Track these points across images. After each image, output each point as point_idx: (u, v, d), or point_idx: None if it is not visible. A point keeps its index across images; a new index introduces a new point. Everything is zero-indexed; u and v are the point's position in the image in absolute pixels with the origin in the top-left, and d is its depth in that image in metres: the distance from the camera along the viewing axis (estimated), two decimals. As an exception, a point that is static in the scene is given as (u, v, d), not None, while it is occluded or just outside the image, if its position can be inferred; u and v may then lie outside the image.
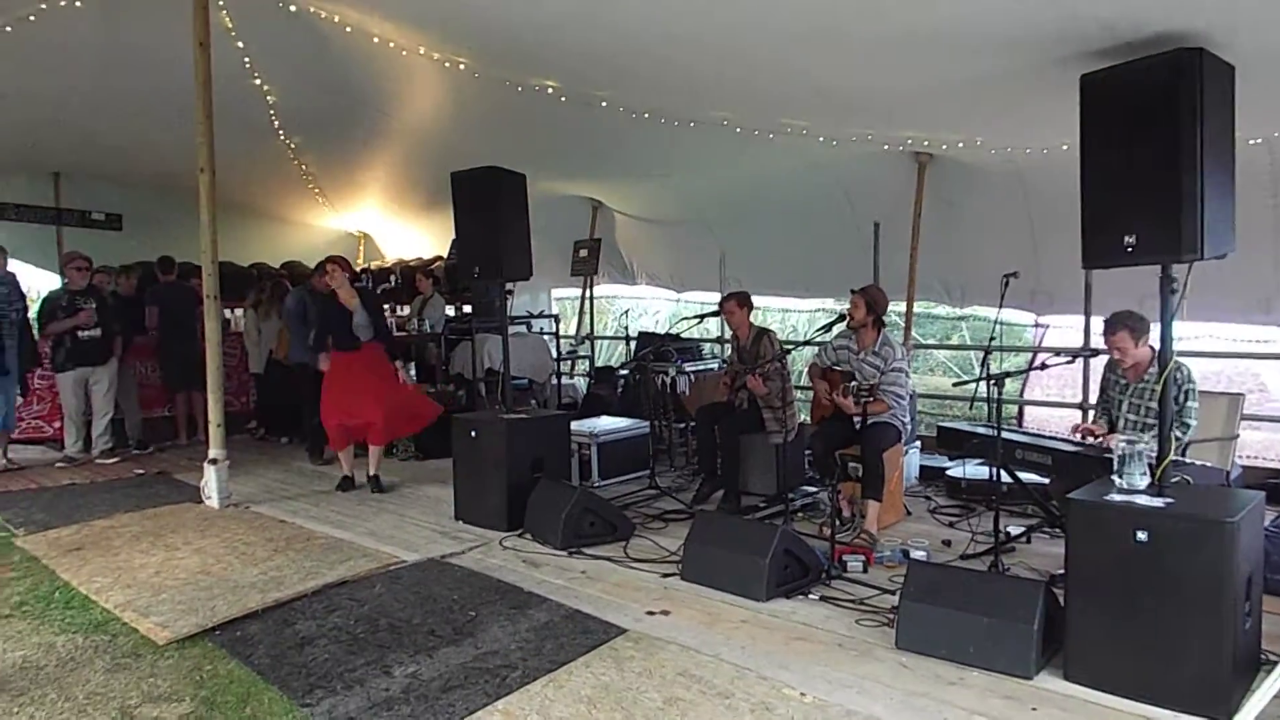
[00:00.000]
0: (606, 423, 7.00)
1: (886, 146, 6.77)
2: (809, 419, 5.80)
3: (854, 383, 5.03)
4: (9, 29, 6.17)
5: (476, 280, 5.94)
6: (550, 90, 6.27)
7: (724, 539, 4.31)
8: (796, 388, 6.30)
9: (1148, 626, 2.93)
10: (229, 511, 5.89)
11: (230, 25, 6.77)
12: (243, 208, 11.11)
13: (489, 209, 5.61)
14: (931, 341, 13.25)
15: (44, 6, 6.00)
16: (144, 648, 3.67)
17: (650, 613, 4.00)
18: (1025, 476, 4.87)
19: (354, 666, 3.48)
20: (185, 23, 5.86)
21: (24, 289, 7.49)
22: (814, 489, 5.88)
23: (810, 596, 4.11)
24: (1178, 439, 4.21)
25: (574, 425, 6.86)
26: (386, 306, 9.92)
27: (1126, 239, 3.09)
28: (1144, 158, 3.05)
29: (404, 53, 6.34)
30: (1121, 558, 2.97)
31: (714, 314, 6.10)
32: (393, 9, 5.77)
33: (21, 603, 4.19)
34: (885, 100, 5.55)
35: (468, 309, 9.64)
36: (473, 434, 5.55)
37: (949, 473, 6.00)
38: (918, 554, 4.49)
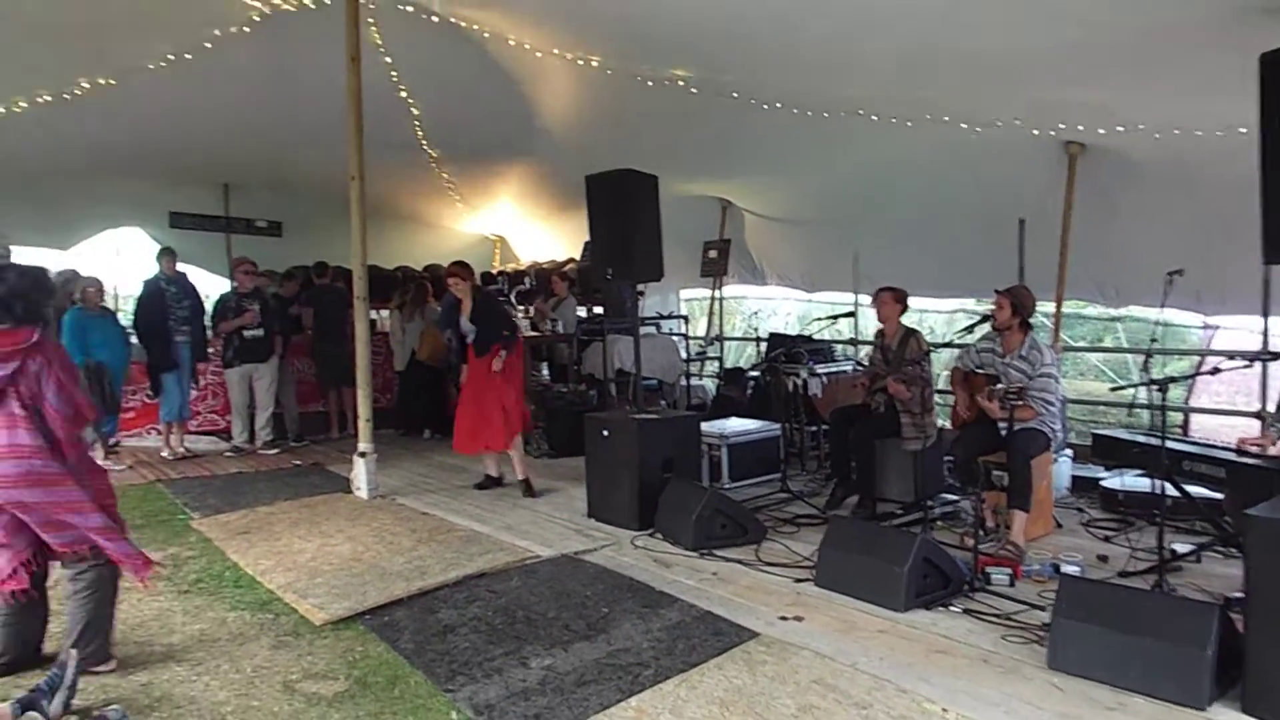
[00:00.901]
0: (736, 424, 6.96)
1: (1036, 132, 6.39)
2: (949, 424, 5.57)
3: (1000, 385, 4.80)
4: (188, 56, 6.73)
5: (609, 281, 6.02)
6: (680, 82, 6.28)
7: (860, 545, 4.21)
8: (936, 392, 6.07)
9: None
10: (376, 502, 6.21)
11: (379, 41, 7.14)
12: (388, 213, 11.69)
13: (622, 211, 5.68)
14: (1082, 344, 12.50)
15: (217, 33, 6.51)
16: (303, 627, 3.91)
17: (783, 618, 3.95)
18: (1193, 490, 4.53)
19: (492, 656, 3.60)
20: (338, 42, 6.23)
21: (195, 289, 8.10)
22: (954, 497, 5.65)
23: (951, 609, 3.96)
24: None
25: (704, 426, 6.88)
26: (522, 307, 10.22)
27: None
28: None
29: (538, 54, 6.51)
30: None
31: (848, 314, 5.99)
32: (527, 9, 5.91)
33: (198, 579, 4.56)
34: (1034, 66, 5.19)
35: (599, 310, 9.80)
36: (604, 434, 5.64)
37: (1104, 484, 5.64)
38: (1070, 569, 4.24)
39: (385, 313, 10.31)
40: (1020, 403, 4.68)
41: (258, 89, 7.51)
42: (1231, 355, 4.80)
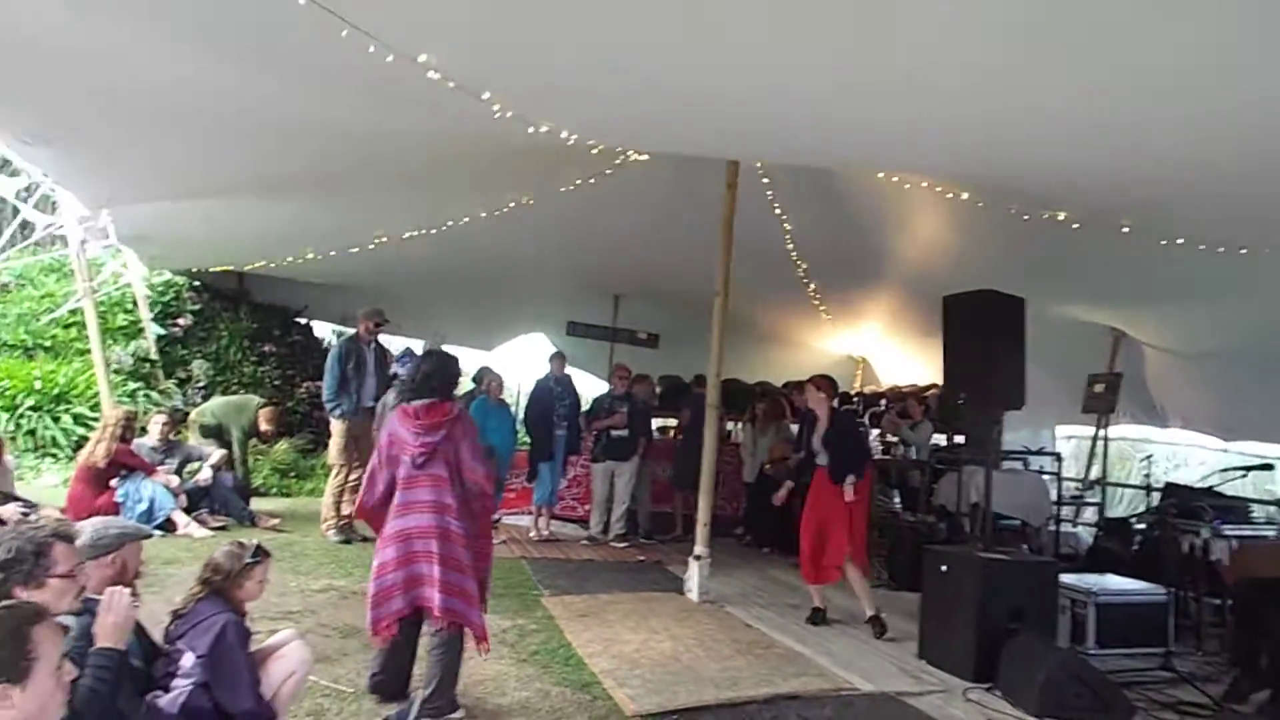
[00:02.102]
0: (1112, 582, 6.00)
1: None
2: None
3: None
4: (592, 181, 7.78)
5: (961, 406, 5.66)
6: (1061, 218, 5.85)
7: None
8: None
9: None
10: (705, 606, 6.29)
11: (760, 169, 7.64)
12: (752, 330, 12.22)
13: (981, 333, 5.37)
14: None
15: (618, 161, 7.46)
16: (614, 714, 4.05)
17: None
18: None
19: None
20: (719, 168, 6.78)
21: (575, 389, 9.08)
22: None
23: None
24: None
25: (1071, 579, 6.03)
26: (877, 431, 9.94)
27: None
28: None
29: (906, 186, 6.49)
30: None
31: (1263, 467, 4.94)
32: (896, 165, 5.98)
33: (536, 651, 4.94)
34: None
35: (960, 439, 9.18)
36: (944, 569, 5.19)
37: None
38: None
39: (741, 424, 10.63)
40: None
41: (648, 209, 8.39)
42: None
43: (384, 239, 9.15)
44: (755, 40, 3.80)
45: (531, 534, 8.62)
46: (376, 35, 3.96)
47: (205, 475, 7.66)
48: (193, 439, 8.30)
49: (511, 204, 8.19)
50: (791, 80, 4.28)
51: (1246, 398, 7.91)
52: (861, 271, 9.50)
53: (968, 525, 7.62)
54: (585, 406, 9.32)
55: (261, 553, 3.11)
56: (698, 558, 6.51)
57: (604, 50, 4.31)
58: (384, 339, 8.36)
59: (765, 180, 7.80)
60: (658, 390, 10.50)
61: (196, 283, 11.26)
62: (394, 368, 7.38)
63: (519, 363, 13.24)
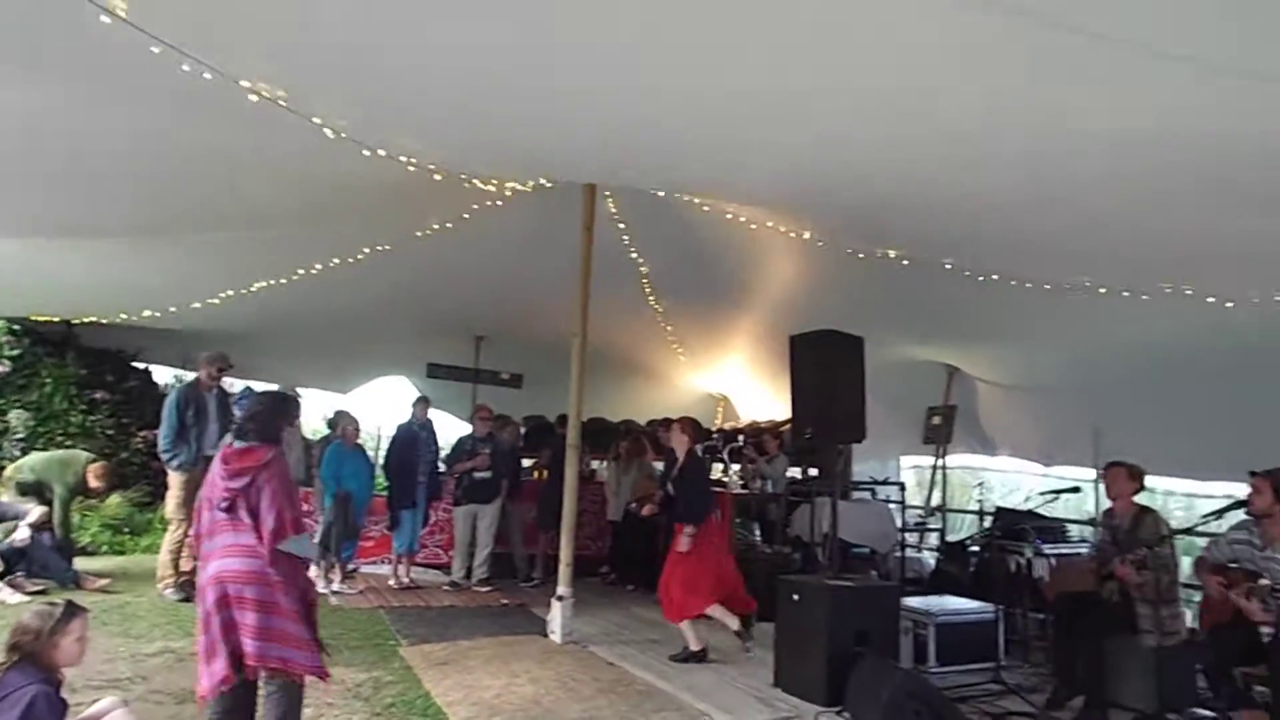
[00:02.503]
0: (949, 603, 6.40)
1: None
2: (1198, 624, 4.79)
3: (1264, 582, 4.12)
4: (449, 225, 7.76)
5: (808, 440, 5.94)
6: (892, 255, 6.31)
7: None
8: (1184, 585, 5.28)
9: None
10: (568, 648, 6.27)
11: (614, 210, 7.85)
12: (615, 368, 12.40)
13: (825, 371, 5.68)
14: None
15: (475, 206, 7.48)
16: (472, 763, 3.98)
17: (973, 827, 3.47)
18: None
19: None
20: (576, 210, 6.91)
21: (435, 434, 8.91)
22: (1209, 712, 4.77)
23: None
24: None
25: (913, 602, 6.40)
26: (736, 466, 10.22)
27: None
28: None
29: (753, 226, 6.83)
30: None
31: (1072, 490, 5.43)
32: (740, 194, 6.28)
33: (391, 704, 4.78)
34: None
35: (814, 472, 9.59)
36: (795, 597, 5.41)
37: None
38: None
39: (605, 463, 10.71)
40: (1287, 608, 3.99)
41: (507, 251, 8.43)
42: None
43: (229, 293, 8.78)
44: (605, 61, 3.93)
45: (391, 582, 8.36)
46: (192, 53, 3.86)
47: (22, 535, 7.01)
48: (7, 496, 7.61)
49: (367, 250, 8.06)
50: (643, 102, 4.41)
51: (1062, 426, 8.64)
52: (716, 312, 9.86)
53: (820, 554, 7.95)
54: (446, 450, 9.16)
55: (74, 608, 2.91)
56: (560, 598, 6.50)
57: (443, 74, 4.32)
58: (231, 384, 7.98)
59: (622, 225, 8.01)
60: (523, 431, 10.46)
61: (15, 327, 10.39)
62: (235, 409, 7.06)
63: (377, 406, 12.94)
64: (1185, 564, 5.58)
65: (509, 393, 12.21)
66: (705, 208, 7.01)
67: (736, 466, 10.21)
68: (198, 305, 9.04)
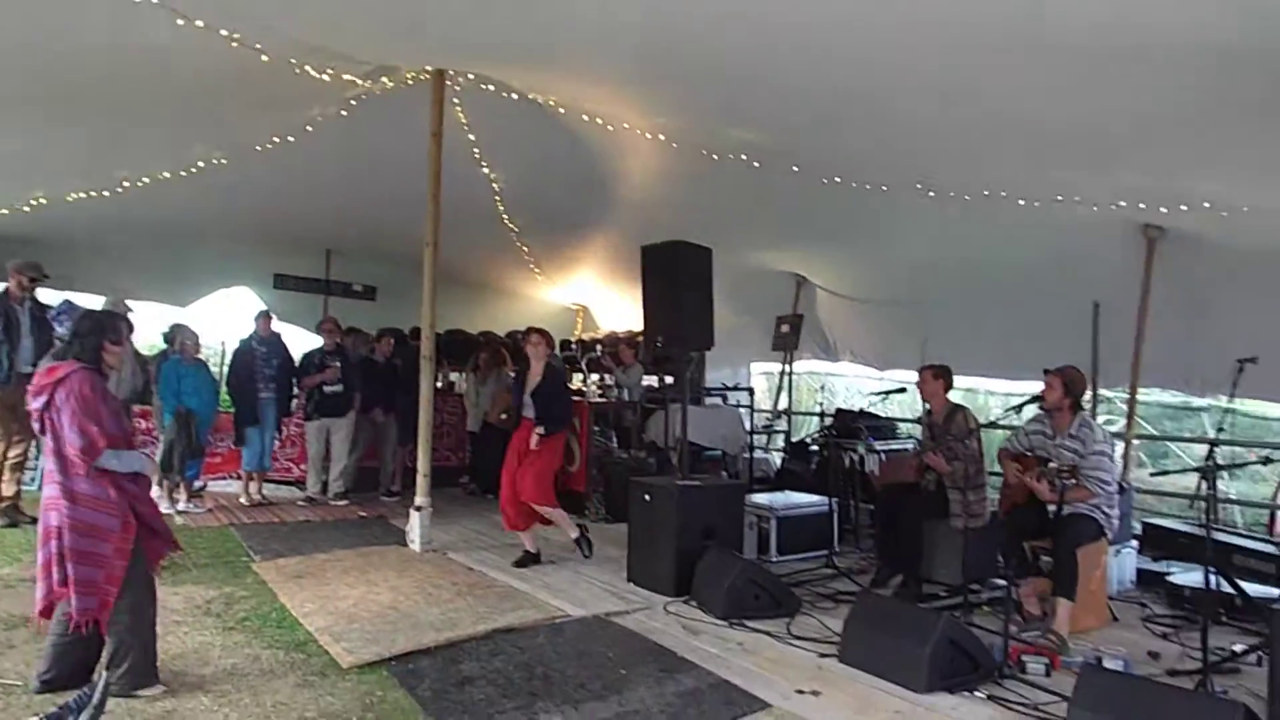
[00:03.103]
0: (788, 498, 6.89)
1: (1095, 208, 6.22)
2: (999, 507, 5.38)
3: (1051, 464, 4.65)
4: (291, 139, 7.34)
5: (659, 349, 6.14)
6: (744, 156, 6.43)
7: (886, 623, 4.10)
8: (989, 474, 5.89)
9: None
10: (427, 555, 6.37)
11: (464, 119, 7.61)
12: (474, 281, 12.25)
13: (675, 281, 5.84)
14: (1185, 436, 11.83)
15: (319, 118, 7.09)
16: (330, 669, 4.04)
17: (800, 691, 3.87)
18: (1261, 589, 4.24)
19: (504, 709, 3.64)
20: (424, 118, 6.67)
21: (286, 349, 8.60)
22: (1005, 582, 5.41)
23: (976, 694, 3.80)
24: None
25: (758, 498, 6.84)
26: (596, 376, 10.42)
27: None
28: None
29: (610, 128, 6.79)
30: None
31: (899, 390, 5.89)
32: (598, 75, 6.12)
33: (245, 618, 4.76)
34: (1103, 137, 5.04)
35: (670, 380, 9.90)
36: (647, 498, 5.68)
37: (1170, 579, 5.30)
38: (1113, 663, 4.01)
39: (464, 374, 10.66)
40: (1073, 482, 4.52)
41: (355, 164, 8.07)
42: None
43: (42, 199, 8.01)
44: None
45: (242, 499, 8.15)
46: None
47: None
48: None
49: (201, 164, 7.53)
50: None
51: (895, 333, 9.28)
52: (572, 224, 9.82)
53: (674, 458, 8.30)
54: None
55: None
56: (418, 508, 6.55)
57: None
58: (48, 295, 7.36)
59: (472, 137, 7.80)
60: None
61: None
62: (55, 324, 6.59)
63: (221, 319, 12.27)
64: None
65: (363, 305, 11.86)
66: (562, 110, 6.90)
67: (595, 376, 10.44)
68: (3, 211, 8.20)
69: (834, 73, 4.83)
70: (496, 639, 4.53)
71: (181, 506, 7.57)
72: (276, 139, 7.34)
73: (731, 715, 3.62)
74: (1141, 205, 6.14)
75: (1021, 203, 6.19)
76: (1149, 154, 5.22)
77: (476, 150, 8.10)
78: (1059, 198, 6.01)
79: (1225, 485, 8.56)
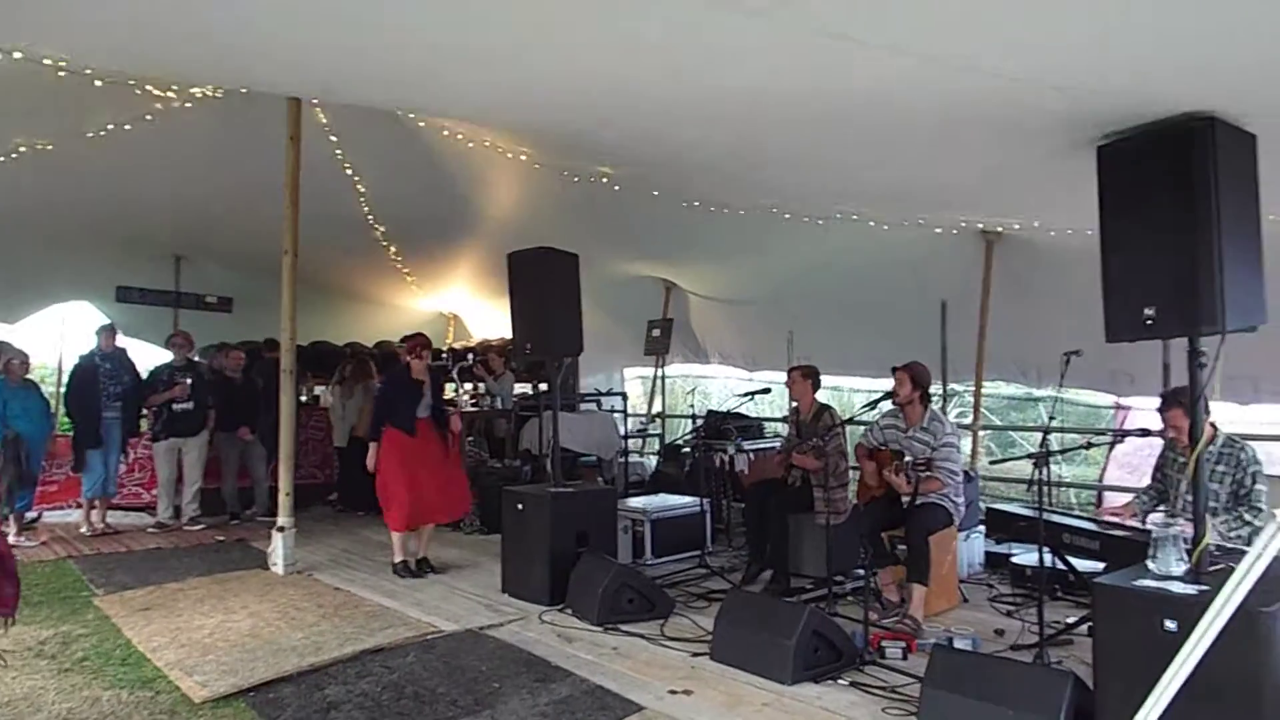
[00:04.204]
0: (660, 500, 6.97)
1: (939, 230, 6.70)
2: (858, 499, 5.62)
3: (906, 459, 4.89)
4: (128, 127, 6.85)
5: (527, 355, 6.10)
6: (605, 180, 6.50)
7: (753, 619, 4.21)
8: (851, 468, 6.15)
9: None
10: (291, 578, 6.10)
11: (324, 120, 7.33)
12: (339, 290, 11.83)
13: (542, 288, 5.81)
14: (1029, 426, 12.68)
15: (159, 107, 6.65)
16: (181, 705, 3.81)
17: (673, 691, 3.92)
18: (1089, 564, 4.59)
19: (371, 733, 3.53)
20: (281, 118, 6.39)
21: (133, 365, 8.06)
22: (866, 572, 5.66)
23: (840, 682, 3.95)
24: (1248, 523, 3.93)
25: (633, 502, 6.89)
26: (469, 385, 10.27)
27: (1146, 311, 2.96)
28: (1161, 228, 2.95)
29: (470, 144, 6.72)
30: (1150, 648, 2.74)
31: (764, 391, 6.07)
32: (459, 107, 6.06)
33: (84, 658, 4.43)
34: (934, 191, 5.58)
35: (546, 387, 9.85)
36: (519, 507, 5.63)
37: (1014, 559, 5.67)
38: (962, 642, 4.25)
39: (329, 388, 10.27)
40: (928, 474, 4.77)
41: (205, 161, 7.58)
42: (1104, 432, 4.95)
43: None
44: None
45: (84, 529, 7.57)
46: None
47: None
48: None
49: (23, 149, 6.93)
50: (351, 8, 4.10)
51: (762, 334, 9.56)
52: (443, 232, 9.63)
53: (549, 466, 8.26)
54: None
55: None
56: (280, 529, 6.26)
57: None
58: None
59: (334, 138, 7.53)
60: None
61: None
62: None
63: (58, 336, 11.37)
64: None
65: (219, 317, 11.21)
66: (421, 123, 6.77)
67: (469, 385, 10.28)
68: None
69: (683, 132, 4.98)
70: (364, 660, 4.39)
71: (11, 540, 6.96)
72: (112, 125, 6.80)
73: (605, 720, 3.64)
74: (980, 225, 6.68)
75: (871, 224, 6.57)
76: (974, 200, 5.83)
77: (340, 152, 7.82)
78: (905, 222, 6.41)
79: (1061, 469, 9.27)
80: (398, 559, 6.20)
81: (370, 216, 9.28)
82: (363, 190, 8.67)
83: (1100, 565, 4.51)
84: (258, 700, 3.88)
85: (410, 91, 5.65)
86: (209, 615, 5.15)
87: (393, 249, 10.43)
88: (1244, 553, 2.50)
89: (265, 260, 9.84)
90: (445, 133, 6.73)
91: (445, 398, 7.54)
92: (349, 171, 8.26)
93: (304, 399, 10.27)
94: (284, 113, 6.38)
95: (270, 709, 3.79)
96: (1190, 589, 2.81)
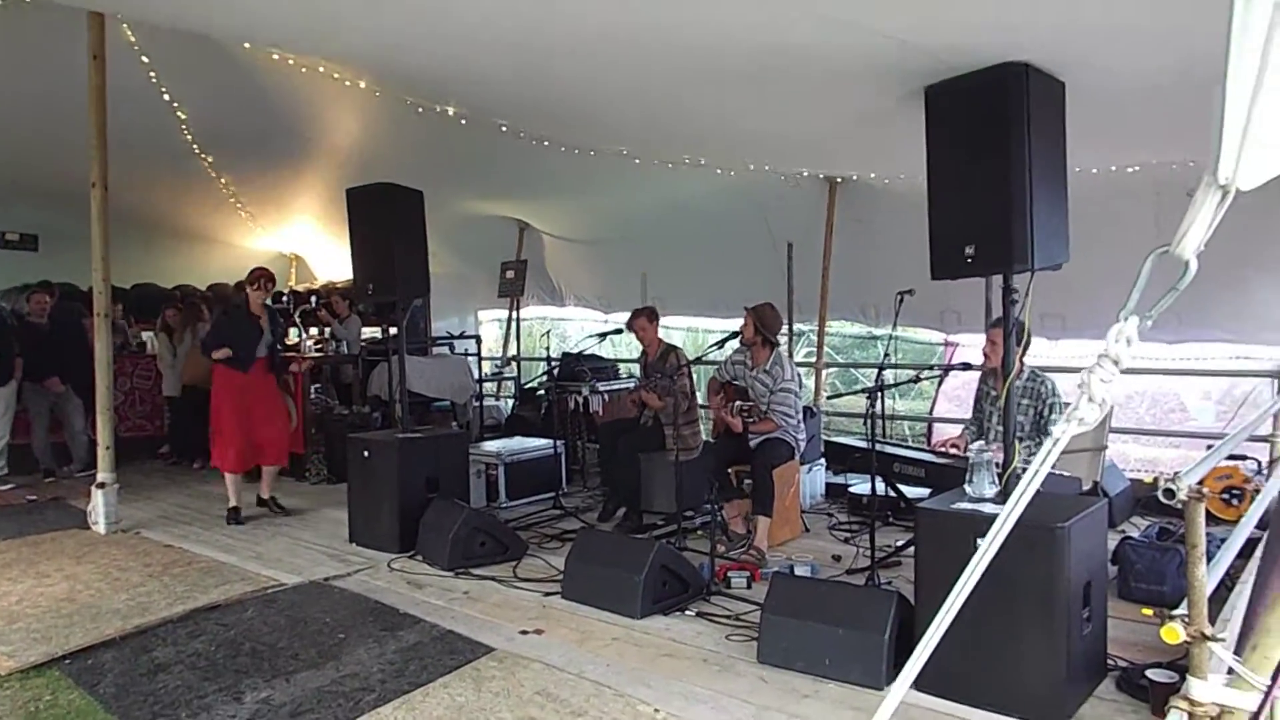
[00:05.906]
0: (515, 443, 6.92)
1: (784, 177, 6.86)
2: (712, 437, 5.78)
3: (738, 403, 5.05)
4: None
5: (370, 296, 5.86)
6: (451, 113, 6.23)
7: (603, 557, 4.27)
8: (701, 406, 6.29)
9: (989, 634, 2.93)
10: (115, 537, 5.70)
11: (133, 39, 6.64)
12: (168, 229, 10.92)
13: (385, 226, 5.55)
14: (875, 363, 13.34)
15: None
16: (-16, 679, 3.51)
17: (524, 632, 3.93)
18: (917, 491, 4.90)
19: (205, 693, 3.37)
20: (81, 33, 5.75)
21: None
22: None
23: (687, 613, 4.08)
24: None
25: (487, 445, 6.81)
26: (313, 330, 9.77)
27: (967, 250, 3.13)
28: (980, 169, 3.10)
29: (303, 70, 6.27)
30: (963, 563, 2.93)
31: (615, 332, 6.09)
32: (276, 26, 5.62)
33: None
34: (773, 140, 5.67)
35: (395, 330, 9.50)
36: (365, 454, 5.45)
37: (851, 489, 5.99)
38: (803, 569, 4.47)
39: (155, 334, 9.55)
40: (752, 420, 4.94)
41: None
42: (966, 367, 5.28)
43: None
44: None
45: None
46: None
47: None
48: None
49: None
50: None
51: (616, 275, 9.57)
52: (277, 163, 9.01)
53: (399, 411, 8.03)
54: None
55: None
56: (101, 485, 5.82)
57: None
58: None
59: (145, 59, 6.85)
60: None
61: None
62: None
63: None
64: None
65: (25, 256, 10.14)
66: (246, 44, 6.23)
67: (312, 330, 9.78)
68: None
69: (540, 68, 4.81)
70: (197, 619, 4.17)
71: None
72: None
73: (454, 664, 3.59)
74: (821, 175, 6.88)
75: (719, 171, 6.63)
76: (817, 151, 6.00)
77: (153, 75, 7.12)
78: (751, 166, 6.52)
79: (895, 403, 9.84)
80: (231, 504, 5.94)
81: (195, 146, 8.56)
82: (183, 116, 7.96)
83: (927, 491, 4.83)
84: (74, 668, 3.63)
85: (215, 13, 5.20)
86: (17, 580, 4.75)
87: (223, 180, 9.69)
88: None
89: (75, 194, 8.97)
90: (276, 56, 6.24)
91: (290, 343, 7.22)
92: (166, 96, 7.56)
93: (133, 346, 9.52)
94: (84, 29, 5.74)
95: (89, 676, 3.55)
96: (999, 509, 3.03)
